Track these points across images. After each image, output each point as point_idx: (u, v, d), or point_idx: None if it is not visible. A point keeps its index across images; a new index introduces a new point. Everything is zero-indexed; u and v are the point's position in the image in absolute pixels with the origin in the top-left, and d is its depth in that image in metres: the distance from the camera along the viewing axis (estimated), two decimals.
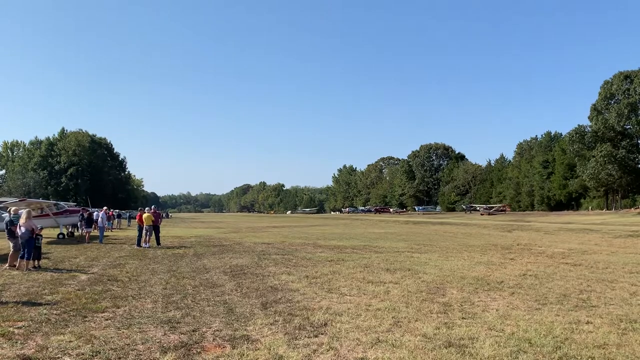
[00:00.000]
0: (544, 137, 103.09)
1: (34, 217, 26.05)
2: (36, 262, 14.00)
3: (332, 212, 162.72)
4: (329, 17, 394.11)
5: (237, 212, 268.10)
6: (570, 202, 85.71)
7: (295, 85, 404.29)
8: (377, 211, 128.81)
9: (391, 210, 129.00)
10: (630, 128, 69.93)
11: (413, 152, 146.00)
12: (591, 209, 78.07)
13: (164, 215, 36.06)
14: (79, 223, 27.86)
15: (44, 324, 7.36)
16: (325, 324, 7.34)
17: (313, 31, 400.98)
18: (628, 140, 69.26)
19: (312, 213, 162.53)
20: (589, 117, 73.79)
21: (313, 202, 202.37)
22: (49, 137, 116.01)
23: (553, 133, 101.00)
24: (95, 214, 27.99)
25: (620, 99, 68.78)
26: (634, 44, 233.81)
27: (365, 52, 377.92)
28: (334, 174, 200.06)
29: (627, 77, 69.13)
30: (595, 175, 68.54)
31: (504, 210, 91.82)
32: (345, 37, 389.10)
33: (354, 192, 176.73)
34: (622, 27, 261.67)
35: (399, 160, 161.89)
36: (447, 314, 8.10)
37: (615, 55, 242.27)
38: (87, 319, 7.74)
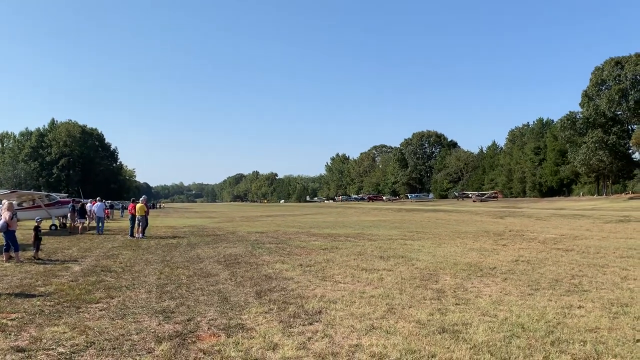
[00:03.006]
0: (535, 124, 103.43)
1: (26, 208, 26.12)
2: (36, 254, 14.04)
3: (325, 201, 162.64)
4: (320, 1, 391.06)
5: (230, 201, 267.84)
6: (562, 188, 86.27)
7: (288, 74, 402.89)
8: (370, 199, 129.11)
9: (384, 198, 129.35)
10: (621, 114, 70.24)
11: (406, 140, 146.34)
12: (582, 195, 78.64)
13: (150, 206, 35.35)
14: (68, 214, 27.74)
15: (37, 315, 7.33)
16: (320, 312, 7.36)
17: (305, 18, 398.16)
18: (619, 126, 69.61)
19: (322, 201, 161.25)
20: (580, 104, 74.06)
21: (306, 190, 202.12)
22: (39, 128, 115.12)
23: (545, 120, 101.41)
24: (88, 205, 27.82)
25: (611, 85, 68.95)
26: (625, 30, 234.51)
27: (357, 39, 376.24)
28: (327, 163, 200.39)
29: (618, 62, 69.29)
30: (586, 161, 68.95)
31: (496, 197, 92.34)
32: (337, 26, 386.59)
33: (347, 180, 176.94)
34: (614, 12, 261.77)
35: (392, 148, 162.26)
36: (441, 300, 8.15)
37: (606, 40, 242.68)
38: (81, 310, 7.72)
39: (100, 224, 24.94)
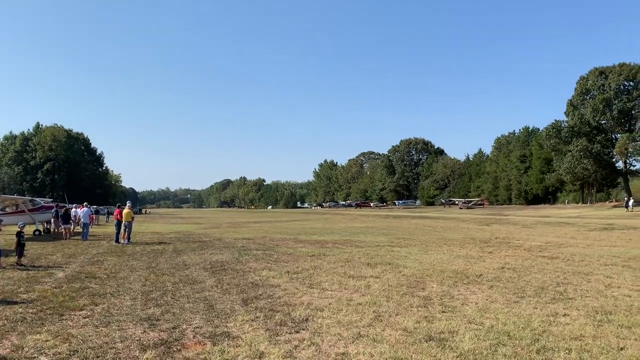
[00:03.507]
0: (521, 132, 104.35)
1: (9, 213, 25.74)
2: (18, 260, 13.82)
3: (314, 207, 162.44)
4: (306, 6, 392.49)
5: (217, 207, 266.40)
6: (547, 196, 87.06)
7: (276, 80, 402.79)
8: (357, 205, 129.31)
9: (372, 204, 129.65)
10: (605, 123, 71.11)
11: (393, 146, 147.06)
12: (567, 203, 79.44)
13: (135, 211, 34.51)
14: (52, 219, 27.42)
15: (19, 323, 7.22)
16: (307, 320, 7.34)
17: (290, 23, 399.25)
18: (603, 135, 70.45)
19: (312, 207, 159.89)
20: (565, 112, 74.84)
21: (294, 196, 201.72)
22: (23, 132, 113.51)
23: (530, 128, 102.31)
24: (72, 210, 27.49)
25: (596, 94, 69.82)
26: (609, 40, 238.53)
27: (345, 46, 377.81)
28: (315, 169, 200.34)
29: (602, 72, 70.22)
30: (571, 170, 69.63)
31: (482, 204, 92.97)
32: (323, 31, 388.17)
33: (335, 186, 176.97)
34: (599, 23, 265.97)
35: (380, 155, 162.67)
36: (428, 307, 8.16)
37: (591, 50, 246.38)
38: (64, 317, 7.61)
39: (85, 230, 24.66)
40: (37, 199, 31.28)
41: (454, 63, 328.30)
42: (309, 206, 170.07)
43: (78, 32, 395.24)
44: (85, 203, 29.65)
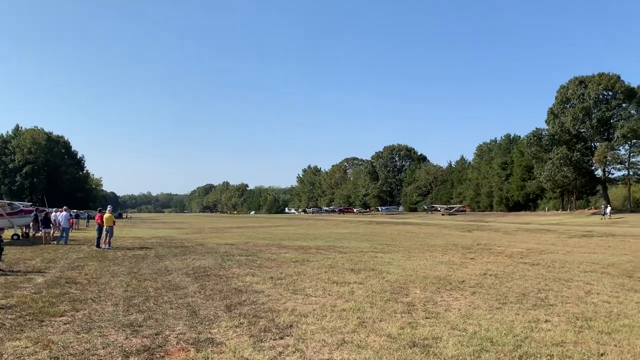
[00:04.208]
0: (503, 140, 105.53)
1: None
2: None
3: (295, 212, 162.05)
4: (288, 8, 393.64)
5: (199, 212, 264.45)
6: (528, 203, 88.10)
7: (258, 84, 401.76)
8: (341, 211, 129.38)
9: (355, 210, 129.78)
10: (584, 131, 72.33)
11: (377, 153, 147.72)
12: (548, 210, 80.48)
13: (115, 216, 33.73)
14: (31, 224, 26.97)
15: None
16: (291, 326, 7.32)
17: (276, 27, 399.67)
18: (582, 143, 71.59)
19: (300, 212, 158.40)
20: (546, 121, 75.94)
21: (277, 202, 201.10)
22: (2, 135, 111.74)
23: (512, 136, 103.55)
24: (53, 214, 27.07)
25: (576, 103, 70.98)
26: (590, 49, 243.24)
27: (329, 50, 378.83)
28: (299, 174, 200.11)
29: (582, 82, 71.45)
30: (551, 177, 70.59)
31: (464, 211, 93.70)
32: (307, 37, 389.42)
33: (319, 192, 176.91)
34: (580, 32, 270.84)
35: (363, 161, 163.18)
36: (411, 313, 8.20)
37: (572, 59, 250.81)
38: (44, 323, 7.49)
39: (64, 234, 24.29)
40: (15, 203, 30.74)
41: (437, 71, 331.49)
42: (295, 212, 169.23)
43: (61, 33, 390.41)
44: (64, 207, 29.20)
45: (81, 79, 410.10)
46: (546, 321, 7.70)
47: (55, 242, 23.57)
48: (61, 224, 24.81)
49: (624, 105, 69.01)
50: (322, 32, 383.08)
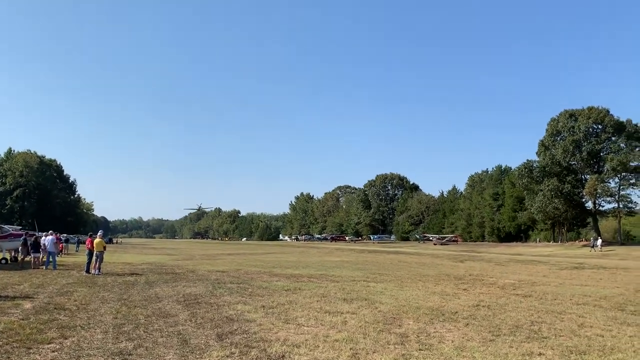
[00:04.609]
0: (494, 171, 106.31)
1: None
2: None
3: (288, 240, 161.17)
4: (281, 29, 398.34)
5: (191, 238, 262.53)
6: (519, 234, 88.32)
7: (252, 109, 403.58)
8: (333, 239, 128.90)
9: (347, 238, 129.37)
10: (575, 164, 73.17)
11: (369, 181, 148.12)
12: (539, 241, 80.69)
13: (106, 241, 33.27)
14: (20, 248, 26.64)
15: None
16: (283, 356, 7.24)
17: (273, 54, 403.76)
18: (573, 175, 72.33)
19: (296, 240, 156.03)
20: (537, 153, 76.78)
21: (269, 229, 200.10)
22: None
23: (503, 167, 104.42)
24: (42, 238, 26.79)
25: (566, 135, 72.00)
26: (580, 83, 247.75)
27: (322, 76, 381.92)
28: (291, 202, 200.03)
29: (572, 115, 72.61)
30: (542, 209, 71.03)
31: (456, 241, 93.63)
32: (299, 61, 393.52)
33: (311, 219, 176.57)
34: (569, 66, 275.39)
35: (356, 189, 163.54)
36: (404, 345, 8.14)
37: (562, 92, 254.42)
38: (31, 350, 7.37)
39: (50, 259, 23.95)
40: (5, 226, 30.42)
41: (429, 101, 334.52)
42: (288, 239, 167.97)
43: (49, 52, 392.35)
44: (50, 231, 28.86)
45: (74, 102, 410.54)
46: (540, 354, 7.67)
47: (44, 267, 23.27)
48: (47, 247, 24.52)
49: (613, 138, 70.03)
50: (317, 57, 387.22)
